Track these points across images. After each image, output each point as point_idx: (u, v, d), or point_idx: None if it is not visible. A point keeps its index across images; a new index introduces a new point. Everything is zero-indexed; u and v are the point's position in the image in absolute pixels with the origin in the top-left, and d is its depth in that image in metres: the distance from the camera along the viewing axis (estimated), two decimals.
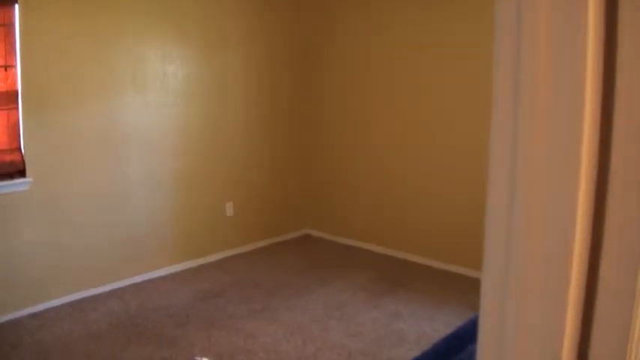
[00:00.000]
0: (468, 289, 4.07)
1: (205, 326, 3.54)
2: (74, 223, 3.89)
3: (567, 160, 0.66)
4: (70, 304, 3.86)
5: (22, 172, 3.61)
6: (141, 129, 4.20)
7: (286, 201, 5.46)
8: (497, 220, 0.73)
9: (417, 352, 3.05)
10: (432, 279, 4.37)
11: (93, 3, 3.81)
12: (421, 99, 4.59)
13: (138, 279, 4.29)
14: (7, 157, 3.55)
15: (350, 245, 5.25)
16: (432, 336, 3.37)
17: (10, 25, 3.46)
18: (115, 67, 3.99)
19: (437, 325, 3.56)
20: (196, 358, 3.15)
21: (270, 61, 5.09)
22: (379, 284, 4.27)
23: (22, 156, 3.60)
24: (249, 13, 4.85)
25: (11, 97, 3.52)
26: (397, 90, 4.74)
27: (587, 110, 0.65)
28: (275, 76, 5.15)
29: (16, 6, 3.45)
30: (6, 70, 3.48)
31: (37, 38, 3.58)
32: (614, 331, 0.68)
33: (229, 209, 4.92)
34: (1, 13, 3.42)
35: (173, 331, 3.48)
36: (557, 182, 0.67)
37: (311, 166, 5.55)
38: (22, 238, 3.64)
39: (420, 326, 3.55)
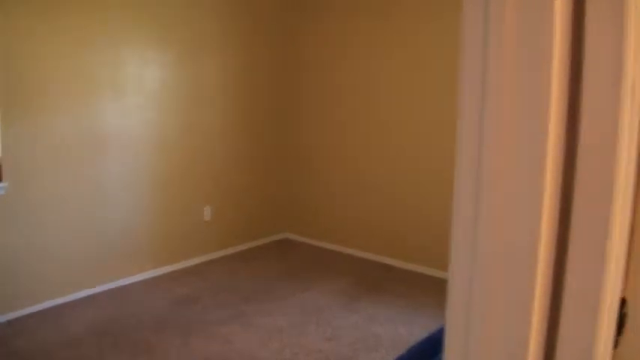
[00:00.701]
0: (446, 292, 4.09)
1: (182, 332, 3.52)
2: (51, 229, 3.83)
3: (533, 162, 0.67)
4: (47, 311, 3.79)
5: None
6: (118, 133, 4.16)
7: (265, 205, 5.45)
8: (463, 223, 0.74)
9: (392, 356, 3.06)
10: (411, 283, 4.40)
11: (68, 5, 3.77)
12: (400, 102, 4.62)
13: (115, 284, 4.24)
14: None
15: (329, 249, 5.26)
16: (408, 340, 3.40)
17: None
18: (92, 70, 3.94)
19: (413, 328, 3.58)
20: None
21: (248, 65, 5.08)
22: (357, 288, 4.28)
23: None
24: (227, 17, 4.83)
25: None
26: (376, 93, 4.77)
27: (553, 113, 0.66)
28: (253, 79, 5.14)
29: None
30: None
31: (11, 40, 3.52)
32: (579, 336, 0.70)
33: (207, 213, 4.89)
34: None
35: (149, 337, 3.44)
36: (522, 185, 0.69)
37: (289, 170, 5.54)
38: None
39: (396, 330, 3.56)
